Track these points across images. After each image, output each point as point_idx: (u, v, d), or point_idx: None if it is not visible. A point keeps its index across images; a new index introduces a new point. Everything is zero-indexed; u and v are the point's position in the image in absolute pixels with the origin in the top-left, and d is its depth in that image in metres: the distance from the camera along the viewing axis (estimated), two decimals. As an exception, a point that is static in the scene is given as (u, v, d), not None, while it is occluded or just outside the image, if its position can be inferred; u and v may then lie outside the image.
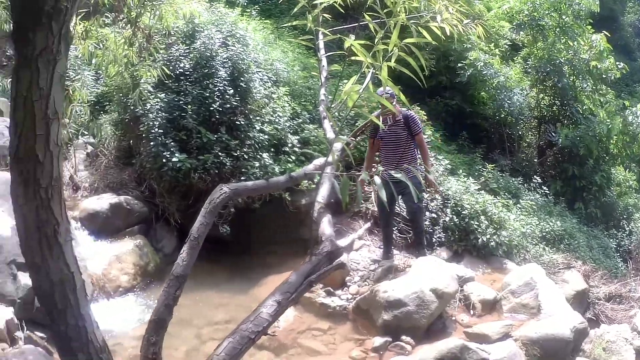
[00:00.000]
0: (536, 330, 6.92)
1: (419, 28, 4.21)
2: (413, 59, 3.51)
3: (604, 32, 14.20)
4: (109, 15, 8.19)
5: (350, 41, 3.70)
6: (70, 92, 8.48)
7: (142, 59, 8.03)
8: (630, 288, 10.50)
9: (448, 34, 4.77)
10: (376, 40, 3.88)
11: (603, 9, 23.51)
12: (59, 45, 2.68)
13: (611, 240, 12.45)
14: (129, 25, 7.50)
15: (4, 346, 5.74)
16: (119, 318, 7.15)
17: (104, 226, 8.50)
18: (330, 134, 4.92)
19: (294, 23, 7.10)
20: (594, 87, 14.41)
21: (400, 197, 8.12)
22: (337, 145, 5.86)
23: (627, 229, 13.05)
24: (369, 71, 3.84)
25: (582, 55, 13.81)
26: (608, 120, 13.44)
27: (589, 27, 14.40)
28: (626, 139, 13.77)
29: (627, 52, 30.19)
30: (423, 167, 8.11)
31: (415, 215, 8.12)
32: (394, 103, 7.60)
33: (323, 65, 5.51)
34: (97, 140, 10.31)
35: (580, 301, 8.99)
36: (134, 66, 8.10)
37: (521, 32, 14.42)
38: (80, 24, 7.47)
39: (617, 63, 14.32)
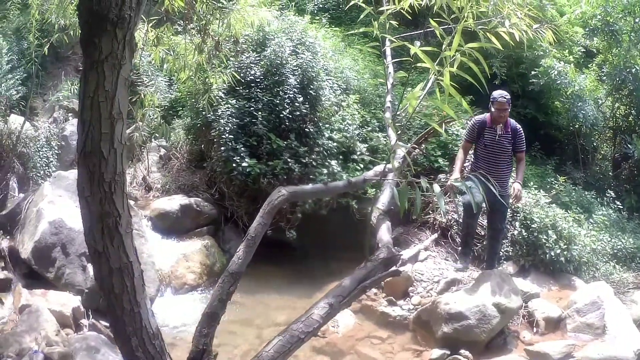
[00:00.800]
0: (598, 352, 6.78)
1: (487, 33, 4.20)
2: (476, 64, 3.50)
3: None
4: (180, 23, 8.40)
5: (415, 48, 3.72)
6: (142, 96, 8.74)
7: (212, 65, 8.21)
8: None
9: (517, 39, 4.73)
10: (443, 46, 3.89)
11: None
12: (124, 51, 2.89)
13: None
14: (199, 32, 7.66)
15: (69, 331, 6.24)
16: (182, 313, 7.49)
17: (174, 225, 8.90)
18: (393, 141, 4.97)
19: (361, 30, 7.14)
20: (675, 97, 13.86)
21: (487, 211, 8.00)
22: (399, 152, 5.85)
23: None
24: (432, 77, 3.84)
25: (661, 62, 13.29)
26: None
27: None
28: None
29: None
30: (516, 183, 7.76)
31: (498, 235, 7.98)
32: (507, 111, 7.55)
33: (390, 72, 5.52)
34: (170, 144, 10.67)
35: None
36: (204, 72, 8.32)
37: (595, 38, 13.87)
38: (151, 31, 7.71)
39: None
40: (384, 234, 4.41)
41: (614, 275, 9.06)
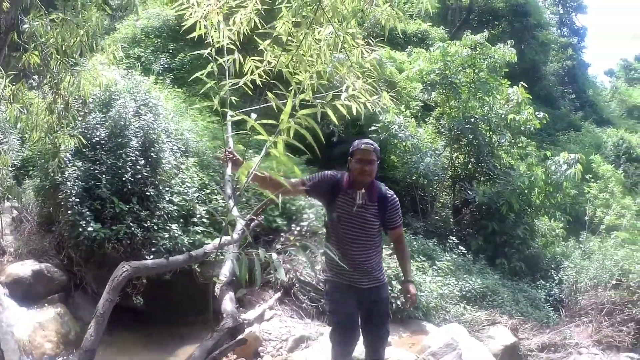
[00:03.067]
0: (462, 389, 7.13)
1: (325, 107, 4.47)
2: (308, 131, 3.76)
3: (522, 83, 14.74)
4: (34, 79, 8.44)
5: (251, 121, 3.96)
6: (-5, 155, 8.61)
7: (62, 126, 8.19)
8: (565, 335, 11.01)
9: (354, 113, 5.05)
10: (280, 118, 4.14)
11: (524, 61, 24.60)
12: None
13: (540, 291, 12.93)
14: (51, 90, 7.66)
15: None
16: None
17: (27, 292, 8.77)
18: (235, 213, 5.20)
19: (203, 105, 7.36)
20: (512, 141, 14.91)
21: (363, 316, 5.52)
22: (238, 226, 6.10)
23: (556, 278, 13.46)
24: (265, 147, 4.09)
25: (499, 110, 14.30)
26: (529, 173, 13.89)
27: (506, 80, 14.96)
28: (549, 189, 14.19)
29: (550, 102, 31.46)
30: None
31: (383, 342, 5.61)
32: (373, 166, 5.30)
33: (230, 146, 5.73)
34: (21, 205, 10.50)
35: (511, 355, 9.35)
36: (54, 133, 8.27)
37: (433, 92, 14.79)
38: (9, 86, 7.70)
39: (537, 113, 14.82)
40: (228, 304, 4.62)
41: (465, 315, 9.67)
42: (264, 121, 3.99)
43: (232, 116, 5.10)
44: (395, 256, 6.38)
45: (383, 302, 5.50)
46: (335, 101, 4.78)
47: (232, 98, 5.23)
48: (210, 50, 5.11)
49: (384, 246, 6.18)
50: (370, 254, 5.42)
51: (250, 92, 5.53)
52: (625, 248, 14.10)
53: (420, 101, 15.68)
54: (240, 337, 4.65)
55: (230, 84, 5.05)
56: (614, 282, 12.71)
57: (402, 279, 5.71)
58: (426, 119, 15.87)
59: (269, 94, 4.41)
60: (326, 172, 5.52)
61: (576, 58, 40.06)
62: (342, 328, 5.36)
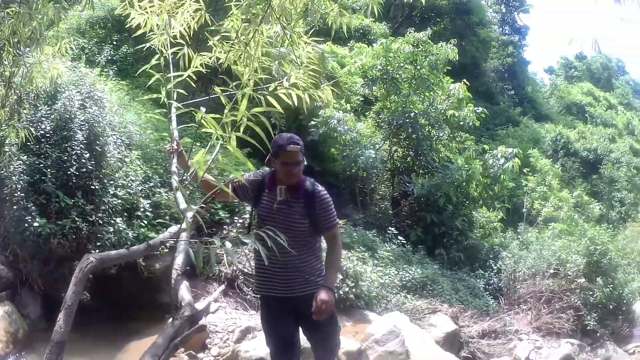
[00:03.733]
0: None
1: (268, 97, 4.62)
2: (260, 126, 3.92)
3: (464, 80, 15.04)
4: (-14, 72, 8.31)
5: (201, 113, 4.10)
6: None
7: (12, 119, 8.08)
8: (505, 323, 11.40)
9: (296, 102, 5.17)
10: (225, 111, 4.28)
11: (464, 57, 24.89)
12: None
13: (479, 280, 13.26)
14: (3, 84, 7.58)
15: None
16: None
17: None
18: (183, 204, 5.22)
19: (149, 97, 7.39)
20: (451, 135, 15.25)
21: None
22: (189, 214, 6.21)
23: (494, 267, 13.82)
24: (218, 142, 4.22)
25: (439, 105, 14.57)
26: (467, 166, 14.14)
27: (447, 76, 15.24)
28: (487, 182, 14.55)
29: (489, 97, 31.91)
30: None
31: (332, 355, 5.36)
32: (300, 166, 4.82)
33: (175, 138, 5.75)
34: None
35: (452, 342, 9.60)
36: (0, 127, 8.16)
37: (374, 87, 15.01)
38: None
39: (476, 109, 15.17)
40: (185, 293, 4.70)
41: (406, 304, 9.91)
42: (212, 115, 4.14)
43: (177, 108, 5.23)
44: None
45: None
46: (278, 91, 4.93)
47: (178, 90, 5.32)
48: (157, 40, 5.20)
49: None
50: (300, 256, 4.84)
51: (194, 85, 5.64)
52: (562, 239, 14.54)
53: (361, 95, 15.86)
54: (199, 324, 4.77)
55: (176, 77, 5.15)
56: (551, 271, 13.22)
57: (322, 285, 4.78)
58: (366, 113, 16.04)
59: (216, 88, 4.56)
60: (252, 172, 5.12)
61: (517, 55, 40.61)
62: (279, 352, 5.06)
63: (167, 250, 7.45)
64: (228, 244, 3.58)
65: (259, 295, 5.43)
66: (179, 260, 5.32)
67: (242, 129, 4.24)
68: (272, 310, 5.05)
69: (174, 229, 6.19)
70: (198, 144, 7.23)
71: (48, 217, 8.74)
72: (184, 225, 4.81)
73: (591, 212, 21.56)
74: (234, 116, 4.24)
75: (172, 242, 5.19)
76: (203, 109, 4.27)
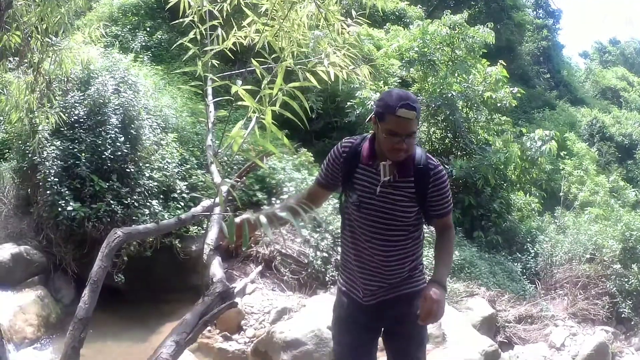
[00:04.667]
0: (445, 357, 7.29)
1: (306, 73, 4.48)
2: (297, 102, 3.76)
3: (501, 62, 14.89)
4: (12, 60, 8.32)
5: (237, 87, 3.95)
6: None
7: (41, 105, 8.11)
8: (541, 308, 11.21)
9: (333, 78, 5.04)
10: (263, 85, 4.14)
11: (500, 40, 24.70)
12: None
13: (516, 264, 13.09)
14: (31, 70, 7.59)
15: None
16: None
17: (6, 276, 8.57)
18: (217, 178, 5.08)
19: (185, 69, 7.32)
20: (488, 117, 15.09)
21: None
22: (224, 188, 6.11)
23: (532, 251, 13.61)
24: (254, 116, 4.07)
25: (477, 87, 14.41)
26: (505, 149, 14.03)
27: (484, 59, 15.06)
28: (525, 165, 14.34)
29: (525, 80, 31.74)
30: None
31: None
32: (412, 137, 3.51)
33: (210, 111, 5.64)
34: None
35: (489, 326, 9.47)
36: (32, 113, 8.18)
37: (411, 69, 14.92)
38: None
39: (512, 89, 14.96)
40: (217, 269, 4.58)
41: (445, 286, 9.72)
42: (247, 87, 3.99)
43: (213, 81, 5.12)
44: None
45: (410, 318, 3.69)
46: (317, 67, 4.78)
47: (215, 61, 5.20)
48: (192, 16, 5.10)
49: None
50: (402, 250, 3.80)
51: (231, 60, 5.54)
52: (598, 224, 14.42)
53: (398, 77, 15.70)
54: (230, 301, 4.66)
55: (213, 50, 5.04)
56: (587, 256, 13.02)
57: (430, 278, 3.70)
58: (404, 96, 15.88)
59: (253, 61, 4.42)
60: (335, 147, 3.92)
61: (551, 39, 40.31)
62: None
63: (203, 232, 7.41)
64: (262, 218, 3.45)
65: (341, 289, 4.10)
66: (212, 234, 5.20)
67: (278, 104, 3.87)
68: (346, 310, 4.02)
69: (206, 202, 6.10)
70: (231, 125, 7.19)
71: (82, 201, 8.78)
72: (217, 200, 4.69)
73: (627, 198, 21.24)
74: (271, 90, 3.90)
75: (204, 216, 5.08)
76: (239, 82, 4.10)
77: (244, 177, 9.51)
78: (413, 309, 3.63)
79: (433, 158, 3.75)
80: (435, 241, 3.97)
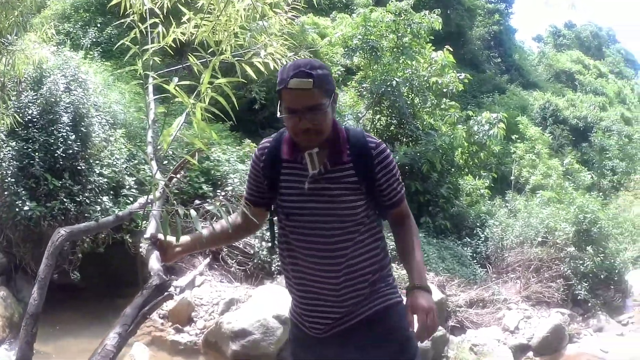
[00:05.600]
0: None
1: (243, 65, 4.70)
2: (226, 98, 3.95)
3: (448, 47, 15.10)
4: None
5: (171, 86, 4.15)
6: None
7: (-2, 107, 8.25)
8: (493, 291, 11.47)
9: (272, 68, 5.25)
10: (201, 80, 4.37)
11: (449, 26, 25.07)
12: None
13: (466, 248, 13.35)
14: None
15: None
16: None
17: None
18: (158, 175, 5.28)
19: (127, 69, 7.51)
20: (434, 103, 15.34)
21: None
22: (160, 184, 6.29)
23: (482, 235, 13.86)
24: (185, 112, 4.27)
25: (422, 73, 14.64)
26: (450, 133, 14.33)
27: (430, 45, 15.28)
28: (473, 149, 14.72)
29: (475, 65, 31.97)
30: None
31: None
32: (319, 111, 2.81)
33: (151, 109, 5.79)
34: None
35: (439, 311, 9.60)
36: (-14, 115, 8.32)
37: (354, 57, 15.08)
38: None
39: (459, 74, 15.27)
40: (154, 262, 4.81)
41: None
42: (185, 82, 4.20)
43: (153, 78, 5.33)
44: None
45: (393, 337, 3.00)
46: (254, 59, 5.00)
47: (155, 58, 5.41)
48: (133, 17, 5.31)
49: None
50: (360, 257, 3.00)
51: (172, 55, 5.74)
52: (551, 207, 14.63)
53: (342, 66, 15.96)
54: (166, 293, 4.94)
55: (152, 47, 5.26)
56: (540, 239, 13.24)
57: (408, 285, 3.00)
58: (348, 83, 16.16)
59: (190, 56, 4.66)
60: (253, 154, 3.27)
61: (503, 23, 40.62)
62: None
63: (147, 224, 7.59)
64: (193, 212, 3.63)
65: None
66: (150, 229, 5.48)
67: (207, 99, 3.79)
68: (309, 352, 3.15)
69: (143, 199, 6.33)
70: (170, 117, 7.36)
71: (38, 200, 8.91)
72: (151, 196, 4.91)
73: (582, 181, 21.64)
74: (209, 84, 3.86)
75: (142, 211, 5.28)
76: (175, 79, 4.28)
77: (179, 173, 9.73)
78: (389, 326, 2.99)
79: (372, 136, 3.11)
80: (395, 238, 3.23)
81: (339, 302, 2.97)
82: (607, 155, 28.60)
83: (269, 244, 8.07)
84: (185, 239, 3.46)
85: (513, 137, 20.90)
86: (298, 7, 5.99)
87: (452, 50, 15.16)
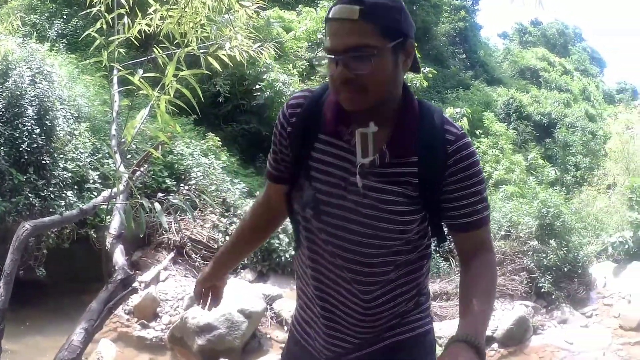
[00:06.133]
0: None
1: (208, 57, 4.77)
2: (191, 91, 3.98)
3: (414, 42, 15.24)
4: None
5: (135, 78, 4.14)
6: None
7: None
8: (456, 284, 11.34)
9: (238, 60, 5.32)
10: (166, 72, 4.42)
11: (415, 21, 25.19)
12: None
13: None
14: None
15: None
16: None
17: None
18: (121, 168, 5.29)
19: (92, 61, 7.52)
20: (397, 97, 15.35)
21: None
22: (123, 177, 6.31)
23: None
24: (148, 104, 4.29)
25: (385, 68, 14.67)
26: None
27: (394, 40, 15.41)
28: (435, 143, 14.70)
29: (440, 61, 31.92)
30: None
31: None
32: (364, 42, 1.88)
33: (115, 101, 5.77)
34: None
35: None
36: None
37: (318, 52, 15.07)
38: None
39: (423, 69, 15.26)
40: (119, 257, 4.87)
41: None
42: (150, 74, 4.22)
43: (118, 70, 5.36)
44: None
45: None
46: (219, 51, 5.07)
47: (120, 50, 5.43)
48: (99, 7, 5.35)
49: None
50: (389, 295, 2.25)
51: (137, 47, 5.79)
52: (514, 201, 14.64)
53: (306, 60, 16.02)
54: (131, 287, 4.98)
55: (118, 39, 5.30)
56: (502, 233, 13.27)
57: (454, 334, 1.88)
58: (312, 77, 16.16)
59: (155, 48, 4.71)
60: (280, 111, 2.27)
61: (469, 20, 40.71)
62: None
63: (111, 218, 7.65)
64: (157, 206, 3.67)
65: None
66: (115, 224, 5.52)
67: (172, 92, 3.88)
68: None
69: (107, 193, 6.36)
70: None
71: (2, 196, 8.85)
72: (114, 190, 4.94)
73: (546, 176, 21.80)
74: (174, 77, 3.96)
75: (105, 205, 5.30)
76: (140, 71, 4.06)
77: (143, 167, 9.77)
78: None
79: (453, 122, 2.11)
80: (461, 275, 2.23)
81: (364, 328, 2.28)
82: (571, 151, 28.72)
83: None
84: (216, 261, 2.91)
85: (477, 132, 21.02)
86: (263, 0, 6.06)
87: (417, 45, 15.25)
